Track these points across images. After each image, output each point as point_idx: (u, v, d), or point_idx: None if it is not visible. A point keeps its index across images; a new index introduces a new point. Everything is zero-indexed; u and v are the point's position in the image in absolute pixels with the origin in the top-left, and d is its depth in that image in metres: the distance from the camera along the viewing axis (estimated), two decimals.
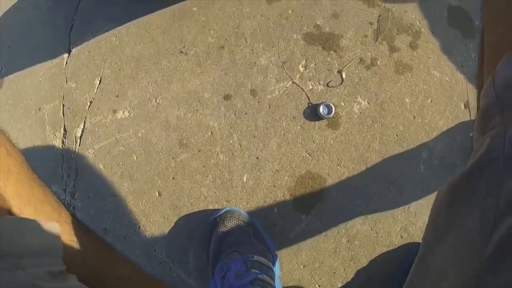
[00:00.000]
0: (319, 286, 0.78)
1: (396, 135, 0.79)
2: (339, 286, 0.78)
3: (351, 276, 0.78)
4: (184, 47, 0.82)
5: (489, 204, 0.27)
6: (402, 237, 0.79)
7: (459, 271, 0.28)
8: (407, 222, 0.79)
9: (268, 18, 0.81)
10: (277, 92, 0.77)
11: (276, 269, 0.77)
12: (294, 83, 0.76)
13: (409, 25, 0.84)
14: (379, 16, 0.83)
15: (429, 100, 0.82)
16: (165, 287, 0.52)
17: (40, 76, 0.97)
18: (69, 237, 0.38)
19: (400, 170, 0.79)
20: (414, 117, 0.80)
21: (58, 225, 0.34)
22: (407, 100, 0.80)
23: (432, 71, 0.83)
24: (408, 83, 0.81)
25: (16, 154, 0.39)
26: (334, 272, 0.78)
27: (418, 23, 0.85)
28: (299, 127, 0.76)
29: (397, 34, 0.83)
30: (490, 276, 0.26)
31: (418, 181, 0.80)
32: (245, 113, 0.77)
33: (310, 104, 0.76)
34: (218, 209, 0.76)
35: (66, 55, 0.96)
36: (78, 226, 0.42)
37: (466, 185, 0.31)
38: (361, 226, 0.77)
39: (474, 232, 0.27)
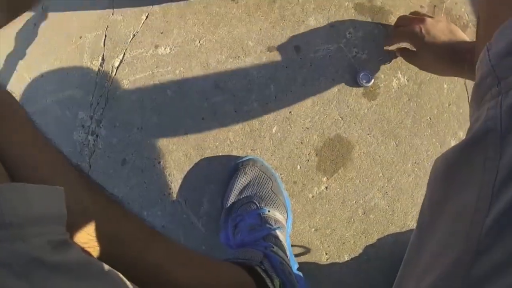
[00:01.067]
0: (326, 253, 0.77)
1: (430, 118, 0.78)
2: (346, 257, 0.77)
3: (360, 250, 0.77)
4: None
5: (487, 177, 0.26)
6: (416, 221, 0.78)
7: (456, 247, 0.27)
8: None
9: None
10: (320, 53, 0.77)
11: (289, 226, 0.76)
12: (340, 47, 0.76)
13: (458, 16, 0.84)
14: (431, 1, 0.83)
15: (467, 92, 0.81)
16: (169, 243, 0.51)
17: (87, 8, 0.98)
18: (74, 198, 0.37)
19: (428, 153, 0.78)
20: (449, 104, 0.80)
21: (63, 188, 0.32)
22: (445, 86, 0.80)
23: None
24: None
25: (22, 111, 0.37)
26: (344, 242, 0.77)
27: (467, 16, 0.85)
28: (336, 89, 0.76)
29: None
30: (488, 251, 0.25)
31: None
32: (286, 67, 0.77)
33: (351, 70, 0.76)
34: (241, 156, 0.75)
35: None
36: (84, 185, 0.40)
37: (463, 158, 0.29)
38: (379, 201, 0.77)
39: (472, 207, 0.26)
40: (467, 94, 0.80)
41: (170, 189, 0.80)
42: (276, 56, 0.77)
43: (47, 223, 0.30)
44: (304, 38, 0.77)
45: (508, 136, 0.25)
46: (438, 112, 0.78)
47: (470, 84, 0.80)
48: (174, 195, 0.80)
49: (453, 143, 0.78)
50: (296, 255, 0.77)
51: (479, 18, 0.38)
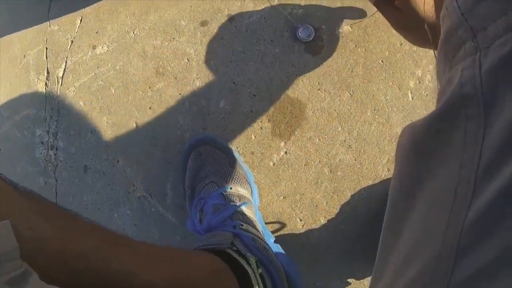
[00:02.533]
0: (300, 220, 0.74)
1: (382, 61, 0.74)
2: (322, 220, 0.74)
3: (335, 210, 0.74)
4: None
5: (467, 157, 0.21)
6: (389, 170, 0.75)
7: (434, 243, 0.22)
8: (394, 154, 0.74)
9: None
10: (254, 17, 0.74)
11: (255, 199, 0.74)
12: (273, 7, 0.73)
13: None
14: None
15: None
16: (137, 245, 0.49)
17: (25, 26, 0.97)
18: (25, 225, 0.34)
19: (386, 97, 0.74)
20: (401, 44, 0.75)
21: (8, 221, 0.30)
22: None
23: None
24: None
25: None
26: (316, 205, 0.74)
27: None
28: (277, 50, 0.73)
29: None
30: (471, 252, 0.20)
31: (406, 111, 0.75)
32: (222, 38, 0.74)
33: (289, 28, 0.73)
34: (194, 137, 0.73)
35: (48, 1, 0.96)
36: (35, 208, 0.38)
37: (436, 132, 0.24)
38: (344, 156, 0.73)
39: (450, 193, 0.22)
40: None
41: (133, 185, 0.78)
42: (210, 30, 0.74)
43: (2, 262, 0.28)
44: (235, 5, 0.74)
45: (494, 103, 0.20)
46: (390, 53, 0.74)
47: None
48: (139, 191, 0.78)
49: (412, 83, 0.74)
50: (271, 229, 0.74)
51: None
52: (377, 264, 0.31)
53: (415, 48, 0.75)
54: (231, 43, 0.73)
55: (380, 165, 0.73)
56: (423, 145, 0.25)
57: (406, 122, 0.73)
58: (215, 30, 0.74)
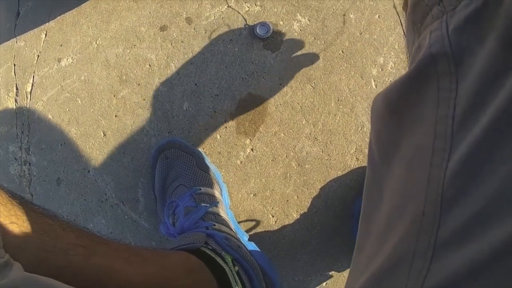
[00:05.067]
0: (272, 216, 0.75)
1: (342, 51, 0.76)
2: (294, 215, 0.75)
3: (306, 204, 0.75)
4: None
5: (442, 112, 0.21)
6: (357, 159, 0.76)
7: (416, 199, 0.22)
8: (362, 143, 0.75)
9: None
10: (212, 18, 0.75)
11: (226, 199, 0.74)
12: (229, 6, 0.75)
13: None
14: None
15: (377, 16, 0.78)
16: (112, 243, 0.50)
17: None
18: (8, 219, 0.36)
19: (349, 87, 0.76)
20: (360, 33, 0.77)
21: None
22: (351, 16, 0.77)
23: None
24: None
25: None
26: (287, 200, 0.75)
27: None
28: (236, 49, 0.74)
29: None
30: (454, 204, 0.20)
31: (370, 99, 0.76)
32: (181, 41, 0.75)
33: (246, 26, 0.74)
34: (160, 141, 0.74)
35: (14, 18, 0.97)
36: (14, 201, 0.39)
37: (409, 93, 0.24)
38: (310, 149, 0.74)
39: (428, 148, 0.22)
40: (378, 16, 0.78)
41: (106, 194, 0.79)
42: (170, 34, 0.75)
43: None
44: (193, 8, 0.75)
45: (463, 59, 0.20)
46: (350, 43, 0.76)
47: (381, 4, 0.77)
48: (112, 199, 0.79)
49: (374, 71, 0.75)
50: (245, 227, 0.75)
51: None
52: (358, 236, 0.30)
53: (375, 36, 0.76)
54: (191, 45, 0.74)
55: (348, 154, 0.74)
56: (396, 106, 0.25)
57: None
58: (174, 34, 0.75)
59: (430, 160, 0.21)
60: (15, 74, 0.90)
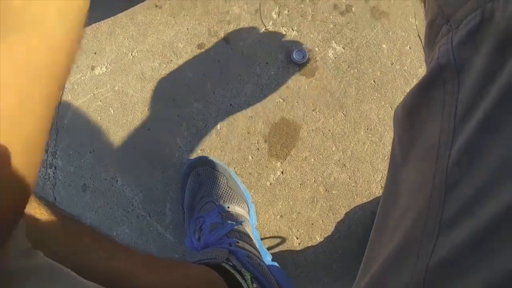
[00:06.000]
0: (297, 238, 0.77)
1: (374, 81, 0.78)
2: (318, 238, 0.77)
3: (330, 228, 0.77)
4: (158, 0, 0.83)
5: (447, 110, 0.25)
6: (382, 187, 0.78)
7: (427, 184, 0.25)
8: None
9: None
10: (250, 40, 0.76)
11: (253, 219, 0.77)
12: (267, 30, 0.77)
13: None
14: None
15: (408, 47, 0.80)
16: (133, 251, 0.52)
17: None
18: (31, 215, 0.37)
19: (379, 117, 0.78)
20: (392, 64, 0.79)
21: None
22: (384, 46, 0.79)
23: (410, 19, 0.82)
24: (385, 29, 0.80)
25: None
26: (312, 224, 0.77)
27: None
28: (272, 72, 0.76)
29: None
30: (456, 185, 0.23)
31: None
32: (218, 61, 0.77)
33: (283, 50, 0.76)
34: (192, 158, 0.76)
35: None
36: (40, 203, 0.41)
37: (421, 97, 0.29)
38: (338, 175, 0.76)
39: (436, 142, 0.25)
40: (409, 48, 0.80)
41: (132, 205, 0.81)
42: (207, 53, 0.77)
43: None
44: (231, 28, 0.77)
45: (464, 67, 0.25)
46: (382, 73, 0.78)
47: (413, 35, 0.80)
48: (138, 210, 0.81)
49: None
50: (269, 246, 0.78)
51: None
52: (372, 234, 0.33)
53: (405, 67, 0.78)
54: (228, 66, 0.76)
55: (374, 182, 0.76)
56: (412, 108, 0.30)
57: None
58: (211, 53, 0.77)
59: (437, 153, 0.25)
60: None
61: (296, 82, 0.74)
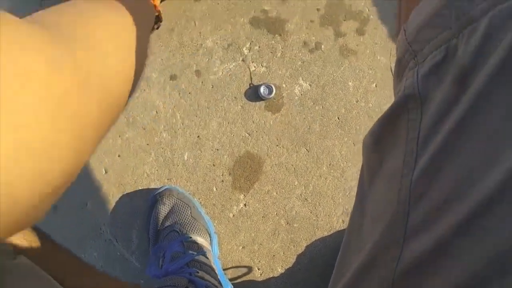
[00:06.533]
0: (258, 269, 0.80)
1: (338, 118, 0.80)
2: (279, 269, 0.79)
3: (292, 260, 0.79)
4: None
5: (411, 136, 0.29)
6: (343, 221, 0.80)
7: (393, 201, 0.28)
8: (349, 206, 0.80)
9: (218, 3, 0.81)
10: (220, 73, 0.79)
11: (215, 249, 0.79)
12: (237, 65, 0.79)
13: (358, 12, 0.86)
14: (327, 3, 0.86)
15: (374, 84, 0.83)
16: (100, 274, 0.55)
17: None
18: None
19: (341, 153, 0.80)
20: (357, 101, 0.82)
21: None
22: (350, 84, 0.82)
23: (378, 57, 0.84)
24: (353, 67, 0.83)
25: None
26: (274, 255, 0.79)
27: (367, 10, 0.87)
28: (239, 107, 0.79)
29: (344, 20, 0.85)
30: (418, 202, 0.26)
31: (360, 165, 0.81)
32: (189, 93, 0.79)
33: (251, 85, 0.78)
34: (158, 187, 0.78)
35: None
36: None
37: (388, 125, 0.32)
38: (300, 209, 0.79)
39: (401, 163, 0.28)
40: (375, 85, 0.82)
41: (100, 229, 0.83)
42: (179, 84, 0.80)
43: None
44: (203, 61, 0.79)
45: (426, 97, 0.28)
46: (346, 110, 0.80)
47: (379, 73, 0.83)
48: (106, 235, 0.83)
49: None
50: (231, 277, 0.80)
51: (399, 2, 0.41)
52: (338, 260, 0.36)
53: (370, 104, 0.81)
54: (197, 98, 0.79)
55: (335, 216, 0.78)
56: (379, 135, 0.33)
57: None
58: (183, 85, 0.79)
59: (402, 172, 0.28)
60: None
61: (262, 117, 0.77)
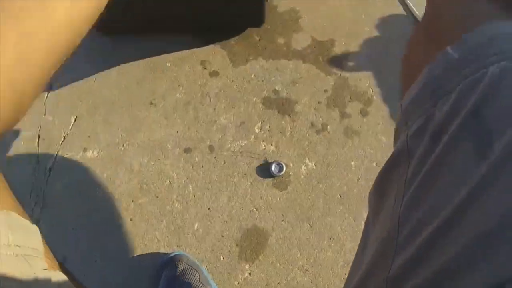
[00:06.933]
0: None
1: (340, 195, 0.88)
2: None
3: None
4: (154, 99, 0.91)
5: (401, 182, 0.38)
6: None
7: (386, 226, 0.37)
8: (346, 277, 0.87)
9: (232, 81, 0.91)
10: (232, 150, 0.86)
11: None
12: (249, 142, 0.85)
13: (362, 93, 0.94)
14: (335, 84, 0.93)
15: (374, 163, 0.91)
16: None
17: None
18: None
19: (342, 228, 0.87)
20: (358, 179, 0.89)
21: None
22: (352, 163, 0.89)
23: (379, 137, 0.92)
24: (355, 147, 0.90)
25: None
26: None
27: (371, 91, 0.95)
28: (249, 183, 0.85)
29: (350, 102, 0.92)
30: (407, 220, 0.35)
31: (359, 239, 0.88)
32: (202, 167, 0.86)
33: (264, 162, 0.85)
34: (168, 252, 0.84)
35: (46, 91, 1.05)
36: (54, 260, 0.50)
37: (385, 176, 0.42)
38: (301, 279, 0.86)
39: (394, 202, 0.38)
40: (375, 164, 0.90)
41: (109, 286, 0.89)
42: (192, 157, 0.86)
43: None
44: (216, 137, 0.86)
45: (413, 151, 0.38)
46: (348, 188, 0.88)
47: (380, 152, 0.90)
48: None
49: (365, 214, 0.87)
50: None
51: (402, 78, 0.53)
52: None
53: (370, 182, 0.88)
54: (210, 172, 0.85)
55: (333, 286, 0.85)
56: (379, 184, 0.42)
57: None
58: (196, 158, 0.86)
59: (394, 203, 0.37)
60: (38, 146, 0.98)
61: (270, 193, 0.83)
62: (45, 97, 1.03)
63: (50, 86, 1.04)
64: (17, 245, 0.38)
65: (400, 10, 1.05)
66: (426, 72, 0.41)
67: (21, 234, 0.39)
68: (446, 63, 0.39)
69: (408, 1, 1.07)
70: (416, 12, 1.05)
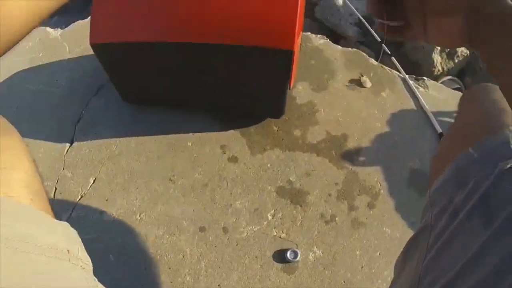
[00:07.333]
0: None
1: (343, 282, 0.94)
2: None
3: None
4: (173, 176, 0.98)
5: (422, 249, 0.50)
6: None
7: (411, 278, 0.50)
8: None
9: (249, 168, 1.00)
10: (245, 234, 0.92)
11: None
12: (261, 228, 0.91)
13: (370, 187, 1.01)
14: (345, 177, 1.00)
15: (378, 253, 0.97)
16: None
17: (40, 153, 1.09)
18: None
19: None
20: (362, 267, 0.96)
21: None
22: (357, 252, 0.96)
23: (384, 228, 0.99)
24: (361, 238, 0.97)
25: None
26: None
27: (379, 185, 1.02)
28: (259, 266, 0.91)
29: (358, 195, 1.00)
30: (428, 274, 0.48)
31: None
32: (215, 246, 0.91)
33: (273, 249, 0.91)
34: None
35: (68, 144, 1.10)
36: None
37: (412, 243, 0.55)
38: None
39: (416, 260, 0.51)
40: (378, 254, 0.96)
41: None
42: (206, 236, 0.92)
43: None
44: (231, 220, 0.92)
45: (435, 226, 0.51)
46: (352, 275, 0.94)
47: (383, 243, 0.97)
48: None
49: None
50: None
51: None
52: None
53: (373, 270, 0.94)
54: (222, 252, 0.90)
55: None
56: (407, 248, 0.56)
57: None
58: (210, 238, 0.91)
59: (416, 265, 0.51)
60: (54, 197, 1.01)
61: (278, 277, 0.90)
62: (65, 151, 1.07)
63: (72, 141, 1.09)
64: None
65: (411, 105, 1.13)
66: (451, 167, 0.53)
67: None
68: (468, 161, 0.52)
69: (419, 95, 1.16)
70: (426, 106, 1.13)
